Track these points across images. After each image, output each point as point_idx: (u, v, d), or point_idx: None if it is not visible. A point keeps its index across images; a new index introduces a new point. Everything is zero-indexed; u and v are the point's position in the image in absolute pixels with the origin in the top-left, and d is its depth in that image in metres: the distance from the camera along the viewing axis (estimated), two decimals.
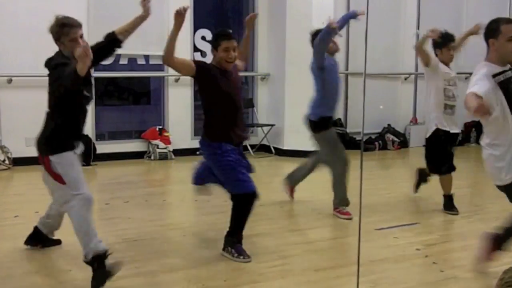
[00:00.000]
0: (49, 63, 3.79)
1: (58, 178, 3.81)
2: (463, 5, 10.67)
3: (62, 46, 3.78)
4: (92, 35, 7.98)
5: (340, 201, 5.37)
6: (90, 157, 7.87)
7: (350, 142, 9.63)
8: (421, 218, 5.23)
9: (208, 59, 8.84)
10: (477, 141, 9.94)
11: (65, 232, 4.87)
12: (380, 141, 9.90)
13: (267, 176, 7.52)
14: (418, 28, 10.16)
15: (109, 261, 3.69)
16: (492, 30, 3.56)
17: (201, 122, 4.32)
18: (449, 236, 4.91)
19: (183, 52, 8.77)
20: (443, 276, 4.00)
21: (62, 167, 3.75)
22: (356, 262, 3.14)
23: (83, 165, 7.68)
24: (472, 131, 10.49)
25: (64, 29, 3.74)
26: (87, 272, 3.61)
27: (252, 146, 9.18)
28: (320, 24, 8.77)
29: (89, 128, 8.08)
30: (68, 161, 3.77)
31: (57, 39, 3.78)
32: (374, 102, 9.40)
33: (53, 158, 3.76)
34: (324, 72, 5.15)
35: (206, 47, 8.84)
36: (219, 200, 6.04)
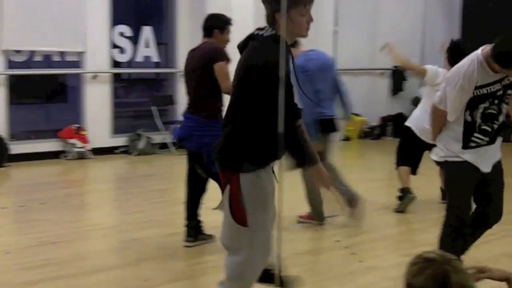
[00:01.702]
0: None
1: None
2: (379, 3, 10.93)
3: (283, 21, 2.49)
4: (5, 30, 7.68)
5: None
6: (2, 158, 7.55)
7: None
8: (340, 210, 5.35)
9: (128, 55, 8.78)
10: (394, 135, 10.23)
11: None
12: None
13: None
14: (336, 25, 10.37)
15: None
16: None
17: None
18: (367, 227, 5.05)
19: (101, 49, 8.57)
20: (362, 266, 4.12)
21: None
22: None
23: None
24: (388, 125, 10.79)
25: None
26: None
27: (175, 143, 9.04)
28: (240, 16, 8.91)
29: (1, 128, 7.73)
30: None
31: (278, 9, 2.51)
32: None
33: None
34: None
35: (125, 44, 8.66)
36: (139, 200, 5.97)
